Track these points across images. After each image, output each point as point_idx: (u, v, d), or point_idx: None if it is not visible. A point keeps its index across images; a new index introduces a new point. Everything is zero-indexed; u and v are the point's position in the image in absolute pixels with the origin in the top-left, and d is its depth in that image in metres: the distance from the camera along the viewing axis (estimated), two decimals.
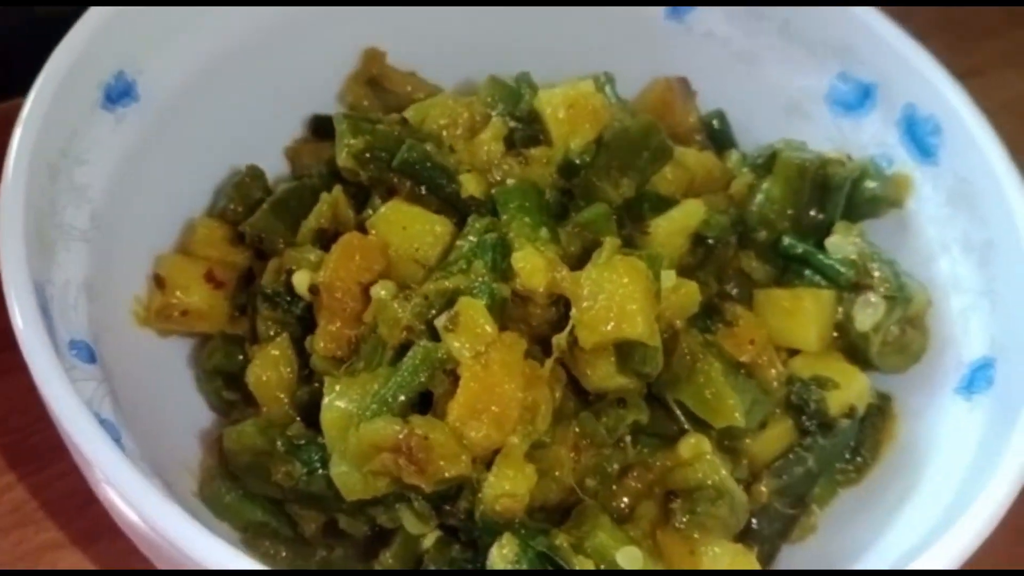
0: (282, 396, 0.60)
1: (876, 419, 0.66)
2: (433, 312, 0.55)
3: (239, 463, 0.58)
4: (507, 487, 0.52)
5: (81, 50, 0.62)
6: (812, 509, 0.63)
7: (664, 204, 0.64)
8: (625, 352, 0.55)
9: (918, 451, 0.64)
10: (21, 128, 0.58)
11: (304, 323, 0.61)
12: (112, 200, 0.64)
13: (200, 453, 0.64)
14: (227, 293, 0.66)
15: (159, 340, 0.66)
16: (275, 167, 0.75)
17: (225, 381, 0.65)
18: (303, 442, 0.57)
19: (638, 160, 0.63)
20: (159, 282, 0.65)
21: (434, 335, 0.55)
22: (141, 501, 0.48)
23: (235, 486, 0.59)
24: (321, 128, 0.76)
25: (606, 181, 0.61)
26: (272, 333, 0.62)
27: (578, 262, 0.57)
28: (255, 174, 0.69)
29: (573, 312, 0.54)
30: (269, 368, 0.60)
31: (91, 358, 0.58)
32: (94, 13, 0.63)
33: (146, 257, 0.66)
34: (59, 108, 0.60)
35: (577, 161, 0.63)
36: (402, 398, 0.53)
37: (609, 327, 0.53)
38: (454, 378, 0.53)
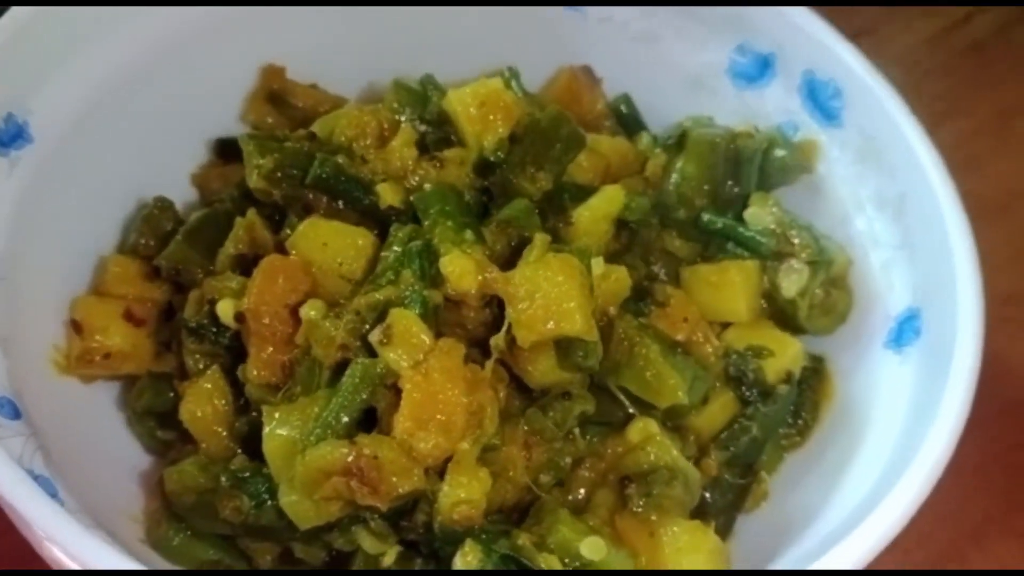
0: (220, 430, 0.58)
1: (812, 381, 0.67)
2: (367, 327, 0.54)
3: (183, 503, 0.57)
4: (462, 494, 0.51)
5: None
6: (762, 476, 0.64)
7: (583, 193, 0.64)
8: (565, 347, 0.55)
9: (856, 408, 0.65)
10: None
11: (234, 352, 0.60)
12: (16, 248, 0.62)
13: (142, 498, 0.62)
14: (149, 330, 0.64)
15: (85, 387, 0.64)
16: (184, 195, 0.73)
17: (158, 421, 0.63)
18: (248, 475, 0.56)
19: (552, 152, 0.63)
20: (76, 327, 0.62)
21: (370, 351, 0.54)
22: (87, 555, 0.47)
23: (182, 527, 0.58)
24: (227, 151, 0.74)
25: (523, 176, 0.61)
26: (201, 366, 0.60)
27: (506, 260, 0.57)
28: (164, 205, 0.67)
29: (509, 312, 0.54)
30: (203, 403, 0.58)
31: (15, 414, 0.55)
32: None
33: (60, 302, 0.64)
34: None
35: (492, 159, 0.63)
36: (345, 419, 0.52)
37: (548, 325, 0.53)
38: (396, 391, 0.52)
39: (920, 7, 1.10)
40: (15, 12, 0.63)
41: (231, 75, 0.75)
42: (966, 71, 1.06)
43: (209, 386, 0.59)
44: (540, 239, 0.56)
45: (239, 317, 0.57)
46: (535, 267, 0.54)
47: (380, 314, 0.54)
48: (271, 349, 0.56)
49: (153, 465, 0.64)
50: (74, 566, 0.48)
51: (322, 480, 0.51)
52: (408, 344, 0.52)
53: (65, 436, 0.58)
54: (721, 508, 0.62)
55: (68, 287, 0.65)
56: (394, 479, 0.50)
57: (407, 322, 0.53)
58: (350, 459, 0.50)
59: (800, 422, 0.66)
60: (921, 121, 1.01)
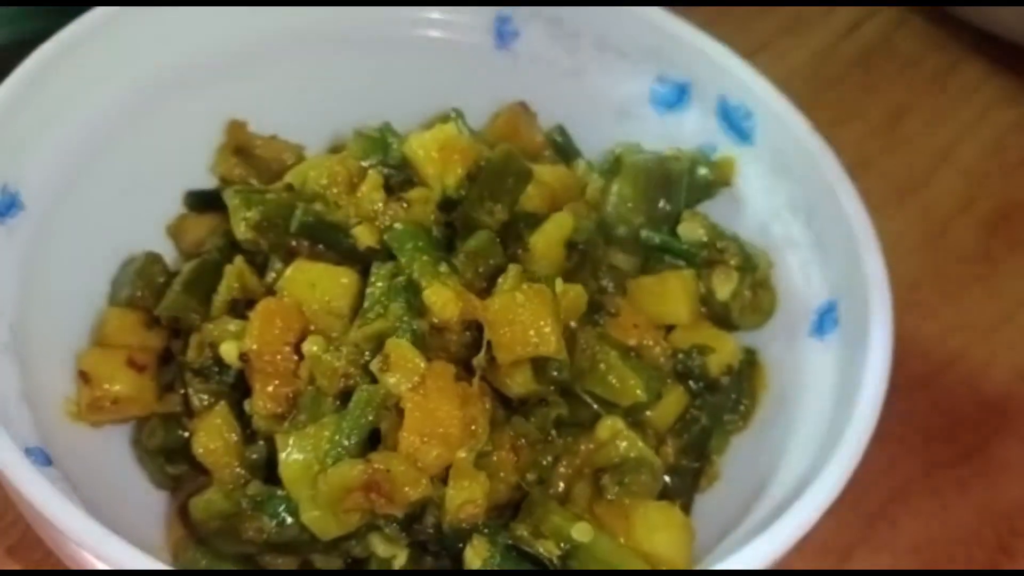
0: (231, 460, 0.64)
1: (748, 371, 0.76)
2: (367, 356, 0.61)
3: (208, 529, 0.62)
4: (466, 496, 0.58)
5: None
6: (713, 459, 0.73)
7: (535, 220, 0.71)
8: (539, 364, 0.62)
9: (789, 392, 0.74)
10: None
11: (237, 388, 0.66)
12: (23, 309, 0.67)
13: (162, 528, 0.67)
14: (151, 375, 0.70)
15: (98, 431, 0.69)
16: (158, 246, 0.79)
17: (166, 457, 0.68)
18: (264, 498, 0.62)
19: (505, 186, 0.70)
20: (84, 377, 0.68)
21: (371, 378, 0.60)
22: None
23: (208, 551, 0.64)
24: (197, 202, 0.80)
25: (482, 210, 0.68)
26: (207, 403, 0.66)
27: (478, 288, 0.64)
28: (154, 259, 0.72)
29: (488, 335, 0.61)
30: (214, 437, 0.64)
31: (47, 461, 0.61)
32: None
33: (69, 356, 0.70)
34: None
35: (454, 196, 0.70)
36: (355, 440, 0.59)
37: (526, 348, 0.61)
38: (397, 412, 0.59)
39: (810, 22, 1.20)
40: (5, 88, 0.68)
41: (198, 130, 0.80)
42: (856, 78, 1.16)
43: (219, 421, 0.65)
44: (513, 270, 0.63)
45: (243, 357, 0.64)
46: (511, 295, 0.61)
47: (376, 344, 0.61)
48: (276, 383, 0.63)
49: (165, 499, 0.70)
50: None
51: (343, 496, 0.57)
52: (405, 369, 0.59)
53: (89, 478, 0.63)
54: (681, 490, 0.70)
55: (73, 342, 0.71)
56: (406, 489, 0.57)
57: (402, 350, 0.60)
58: (367, 475, 0.57)
59: (741, 408, 0.75)
60: (820, 127, 1.12)
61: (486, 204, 0.69)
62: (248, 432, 0.65)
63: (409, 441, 0.58)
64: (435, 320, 0.62)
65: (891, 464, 0.88)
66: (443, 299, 0.61)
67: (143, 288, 0.71)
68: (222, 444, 0.65)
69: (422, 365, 0.60)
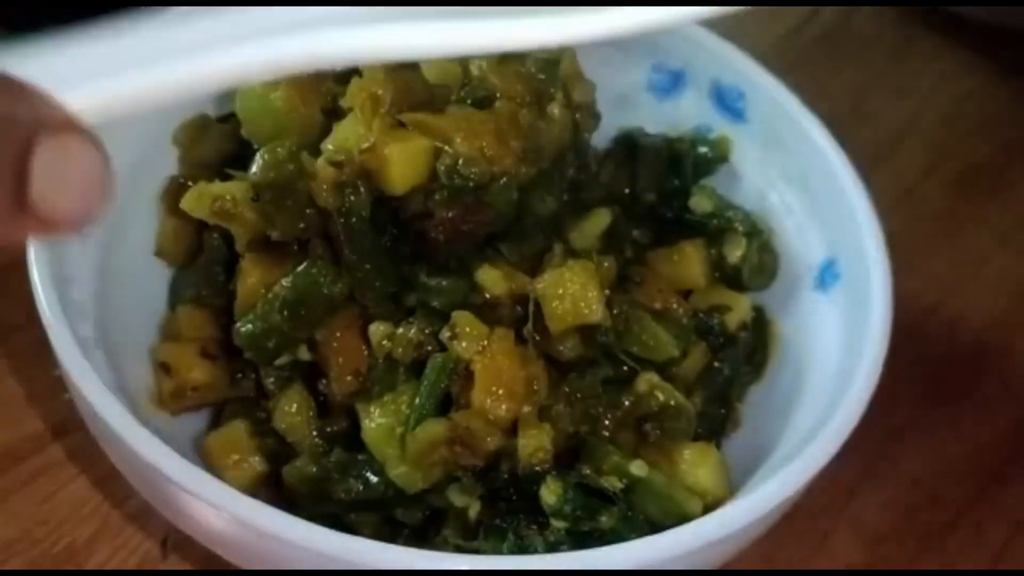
0: (310, 431, 0.71)
1: (758, 326, 0.83)
2: (434, 328, 0.68)
3: (301, 494, 0.69)
4: (535, 443, 0.65)
5: None
6: (736, 406, 0.80)
7: (578, 208, 0.79)
8: (585, 331, 0.69)
9: (798, 344, 0.81)
10: (35, 268, 0.66)
11: (304, 369, 0.72)
12: (104, 309, 0.72)
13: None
14: (221, 363, 0.75)
15: (175, 420, 0.75)
16: None
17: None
18: (350, 461, 0.68)
19: (555, 179, 0.76)
20: (165, 368, 0.73)
21: (439, 347, 0.67)
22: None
23: (299, 513, 0.69)
24: None
25: (536, 198, 0.73)
26: (281, 384, 0.72)
27: (524, 268, 0.71)
28: (215, 258, 0.77)
29: (541, 307, 0.68)
30: (295, 412, 0.71)
31: None
32: None
33: (142, 352, 0.75)
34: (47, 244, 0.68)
35: None
36: (433, 402, 0.66)
37: (576, 317, 0.68)
38: (466, 375, 0.66)
39: (771, 9, 1.29)
40: None
41: None
42: (819, 60, 1.25)
43: (297, 397, 0.71)
44: (558, 249, 0.71)
45: (311, 348, 0.70)
46: (559, 271, 0.68)
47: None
48: (347, 365, 0.69)
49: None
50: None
51: (430, 451, 0.64)
52: (471, 336, 0.66)
53: None
54: (709, 434, 0.78)
55: (145, 338, 0.76)
56: (487, 440, 0.64)
57: (466, 320, 0.67)
58: (451, 431, 0.64)
59: (756, 360, 0.83)
60: None
61: (539, 192, 0.75)
62: (322, 409, 0.71)
63: (481, 399, 0.65)
64: (488, 296, 0.69)
65: (886, 409, 0.95)
66: (493, 278, 0.68)
67: (206, 287, 0.76)
68: (301, 418, 0.71)
69: (486, 332, 0.66)
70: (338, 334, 0.69)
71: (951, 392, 0.99)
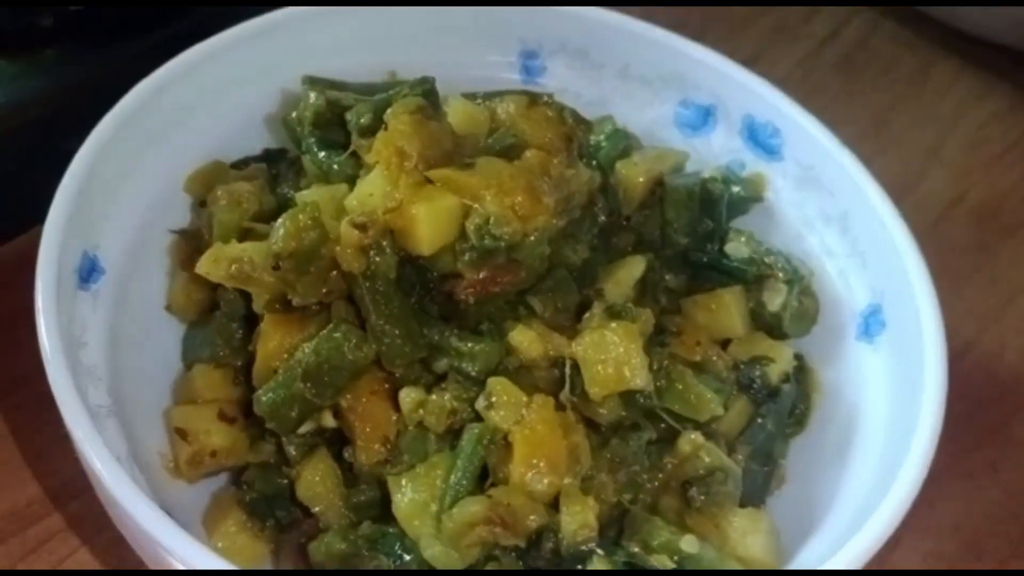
0: (337, 502, 0.67)
1: (800, 376, 0.80)
2: (470, 395, 0.64)
3: (328, 570, 0.65)
4: (580, 520, 0.62)
5: (58, 244, 0.66)
6: (780, 463, 0.77)
7: (613, 255, 0.75)
8: (626, 393, 0.66)
9: (843, 395, 0.78)
10: (44, 333, 0.62)
11: (329, 435, 0.68)
12: (115, 371, 0.69)
13: None
14: (240, 426, 0.71)
15: (191, 488, 0.71)
16: None
17: (271, 503, 0.70)
18: (381, 535, 0.64)
19: (584, 225, 0.73)
20: (182, 434, 0.69)
21: (474, 415, 0.63)
22: None
23: None
24: None
25: (567, 247, 0.71)
26: (305, 451, 0.68)
27: (560, 325, 0.67)
28: (232, 315, 0.74)
29: (581, 371, 0.64)
30: (319, 482, 0.67)
31: None
32: (59, 205, 0.67)
33: (156, 415, 0.71)
34: (57, 303, 0.64)
35: None
36: (470, 476, 0.62)
37: (620, 383, 0.65)
38: (504, 446, 0.62)
39: (791, 32, 1.25)
40: (81, 158, 0.70)
41: None
42: (840, 84, 1.22)
43: (322, 466, 0.67)
44: (598, 308, 0.67)
45: (336, 414, 0.66)
46: (600, 333, 0.65)
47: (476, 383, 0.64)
48: (374, 432, 0.65)
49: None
50: None
51: (468, 531, 0.60)
52: (509, 405, 0.63)
53: (193, 533, 0.65)
54: (753, 493, 0.74)
55: (158, 401, 0.72)
56: (528, 519, 0.60)
57: (504, 387, 0.63)
58: (490, 510, 0.60)
59: (797, 411, 0.79)
60: None
61: (570, 242, 0.71)
62: (348, 477, 0.67)
63: (521, 472, 0.61)
64: (523, 360, 0.65)
65: None
66: (527, 339, 0.65)
67: (224, 346, 0.72)
68: (325, 488, 0.67)
69: (524, 400, 0.63)
70: (364, 400, 0.66)
71: (988, 432, 0.95)
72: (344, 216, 0.64)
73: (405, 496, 0.62)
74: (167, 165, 0.78)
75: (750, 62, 1.19)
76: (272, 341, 0.66)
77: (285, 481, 0.69)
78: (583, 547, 0.62)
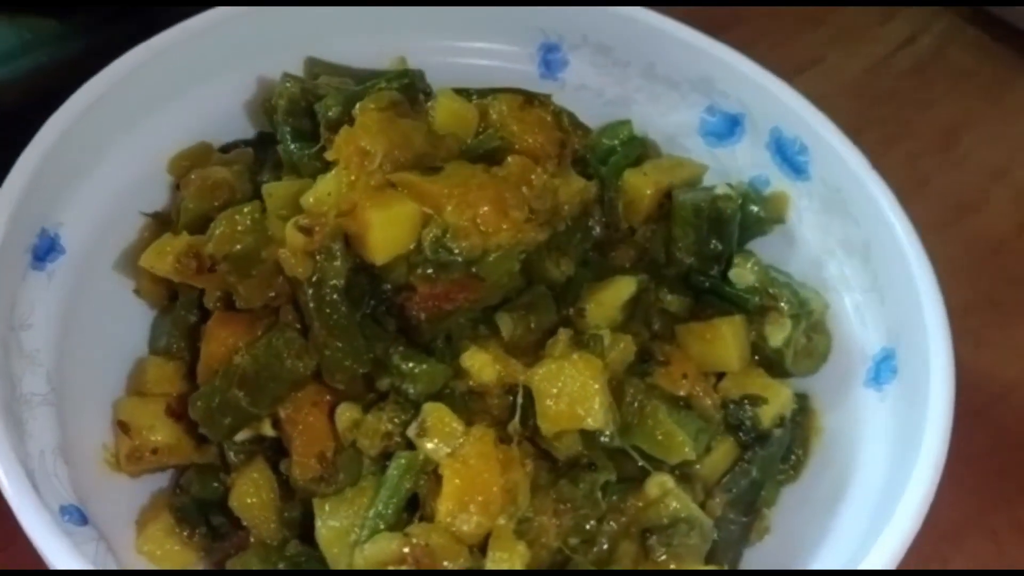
0: (271, 516, 0.63)
1: (800, 418, 0.73)
2: (406, 418, 0.59)
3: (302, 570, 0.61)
4: (505, 567, 0.57)
5: (6, 223, 0.63)
6: (763, 513, 0.70)
7: (600, 272, 0.70)
8: (587, 432, 0.60)
9: (843, 444, 0.71)
10: None
11: (273, 445, 0.65)
12: (61, 357, 0.66)
13: None
14: (188, 424, 0.68)
15: (137, 482, 0.68)
16: None
17: (206, 509, 0.67)
18: (303, 559, 0.61)
19: (574, 241, 0.68)
20: (123, 427, 0.67)
21: (409, 442, 0.59)
22: None
23: None
24: None
25: (550, 261, 0.66)
26: (243, 458, 0.65)
27: (527, 345, 0.62)
28: (189, 307, 0.70)
29: (535, 403, 0.59)
30: (252, 492, 0.63)
31: (83, 520, 0.60)
32: (12, 181, 0.65)
33: (106, 405, 0.69)
34: None
35: None
36: (393, 508, 0.58)
37: (572, 421, 0.59)
38: (436, 478, 0.58)
39: (862, 35, 1.17)
40: (43, 135, 0.67)
41: None
42: (908, 93, 1.13)
43: (256, 476, 0.63)
44: (563, 335, 0.61)
45: (275, 425, 0.62)
46: (559, 364, 0.60)
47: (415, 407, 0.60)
48: (311, 447, 0.61)
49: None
50: None
51: (380, 569, 0.56)
52: (443, 434, 0.58)
53: (127, 533, 0.63)
54: (729, 545, 0.68)
55: (110, 390, 0.70)
56: (445, 562, 0.56)
57: (440, 414, 0.58)
58: (405, 550, 0.56)
59: (793, 457, 0.72)
60: (872, 145, 1.08)
61: (554, 255, 0.66)
62: (286, 489, 0.64)
63: (448, 509, 0.57)
64: (473, 384, 0.60)
65: (943, 504, 0.84)
66: (480, 363, 0.60)
67: (179, 339, 0.69)
68: (259, 500, 0.63)
69: (460, 430, 0.58)
70: (304, 412, 0.62)
71: (1021, 490, 0.87)
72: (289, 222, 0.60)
73: (327, 521, 0.58)
74: (152, 145, 0.74)
75: (806, 67, 1.13)
76: (216, 340, 0.63)
77: (221, 488, 0.66)
78: None
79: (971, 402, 0.91)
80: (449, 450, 0.57)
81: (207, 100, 0.77)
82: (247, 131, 0.79)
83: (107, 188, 0.72)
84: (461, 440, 0.58)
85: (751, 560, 0.70)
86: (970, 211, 1.05)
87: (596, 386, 0.59)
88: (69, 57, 0.83)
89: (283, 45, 0.78)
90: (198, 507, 0.66)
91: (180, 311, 0.69)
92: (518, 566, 0.56)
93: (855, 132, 1.11)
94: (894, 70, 1.15)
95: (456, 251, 0.58)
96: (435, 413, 0.58)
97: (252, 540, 0.63)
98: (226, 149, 0.77)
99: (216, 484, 0.66)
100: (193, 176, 0.69)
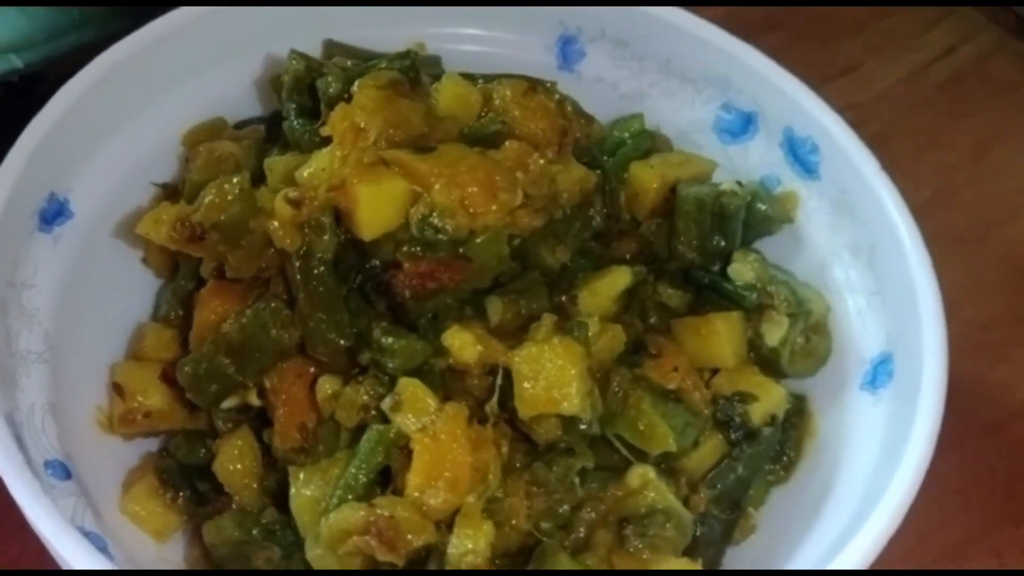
0: (252, 484, 0.64)
1: (795, 419, 0.73)
2: (383, 392, 0.60)
3: (221, 553, 0.62)
4: (469, 545, 0.57)
5: (13, 184, 0.65)
6: (748, 512, 0.70)
7: (597, 263, 0.70)
8: (567, 417, 0.60)
9: (834, 446, 0.70)
10: None
11: (260, 414, 0.66)
12: (62, 318, 0.68)
13: (184, 547, 0.68)
14: (182, 390, 0.69)
15: (127, 444, 0.70)
16: None
17: (193, 474, 0.68)
18: (278, 528, 0.62)
19: (572, 229, 0.68)
20: (118, 390, 0.68)
21: (386, 415, 0.59)
22: None
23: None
24: None
25: (545, 248, 0.66)
26: (230, 425, 0.66)
27: (516, 329, 0.63)
28: (189, 276, 0.72)
29: (516, 387, 0.60)
30: (236, 459, 0.64)
31: (67, 475, 0.62)
32: (22, 144, 0.66)
33: (102, 368, 0.70)
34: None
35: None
36: (363, 479, 0.58)
37: (547, 406, 0.59)
38: (408, 452, 0.58)
39: (903, 43, 1.15)
40: (56, 101, 0.69)
41: None
42: (946, 104, 1.11)
43: (240, 443, 0.65)
44: (548, 319, 0.62)
45: (261, 394, 0.63)
46: (540, 347, 0.60)
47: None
48: (293, 418, 0.62)
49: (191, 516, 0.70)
50: None
51: (344, 538, 0.56)
52: (416, 409, 0.58)
53: (112, 492, 0.64)
54: (711, 542, 0.68)
55: (108, 353, 0.71)
56: (409, 536, 0.56)
57: (414, 388, 0.59)
58: (369, 520, 0.56)
59: (785, 458, 0.72)
60: (905, 153, 1.06)
61: (550, 242, 0.67)
62: (270, 459, 0.65)
63: (415, 484, 0.57)
64: (453, 363, 0.61)
65: (947, 520, 0.83)
66: (461, 342, 0.60)
67: (177, 307, 0.71)
68: (242, 467, 0.64)
69: (433, 406, 0.58)
70: (289, 383, 0.63)
71: None
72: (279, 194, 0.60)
73: (300, 490, 0.59)
74: (169, 118, 0.76)
75: (842, 73, 1.11)
76: (208, 309, 0.64)
77: (208, 453, 0.67)
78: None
79: (984, 418, 0.91)
80: (420, 425, 0.58)
81: (226, 78, 0.78)
82: (264, 110, 0.80)
83: (121, 158, 0.73)
84: (433, 416, 0.58)
85: (735, 559, 0.69)
86: (999, 226, 1.03)
87: (573, 371, 0.59)
88: (117, 35, 0.85)
89: (304, 28, 0.79)
90: (183, 471, 0.67)
91: (181, 280, 0.70)
92: (482, 545, 0.57)
93: (886, 139, 1.10)
94: (932, 79, 1.13)
95: (442, 230, 0.59)
96: (410, 388, 0.59)
97: (234, 507, 0.64)
98: (241, 126, 0.78)
99: (203, 450, 0.67)
100: (201, 149, 0.71)
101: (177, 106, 0.76)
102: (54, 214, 0.69)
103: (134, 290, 0.74)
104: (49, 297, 0.67)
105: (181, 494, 0.66)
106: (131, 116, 0.74)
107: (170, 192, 0.74)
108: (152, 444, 0.71)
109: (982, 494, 0.86)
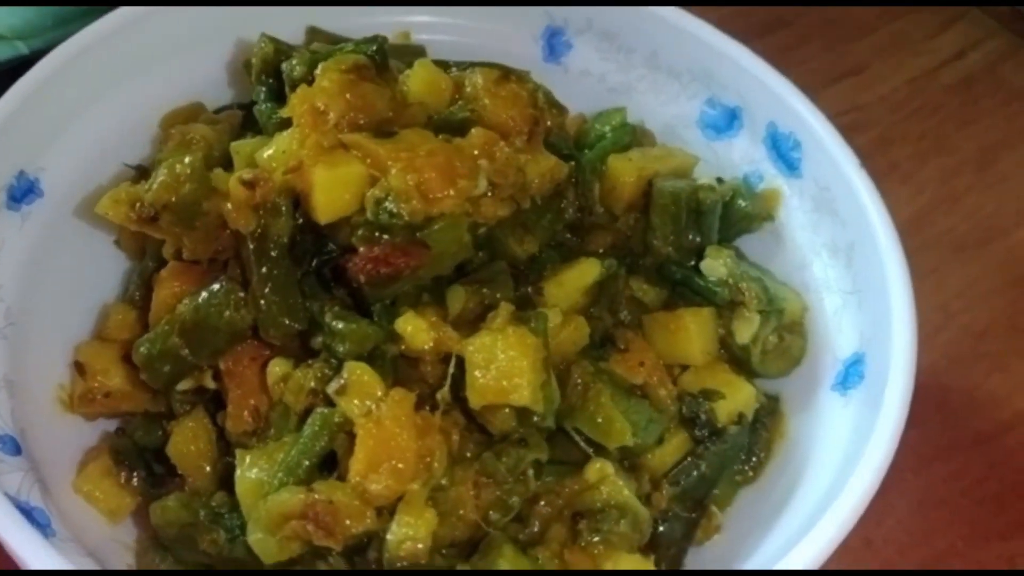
0: (205, 466, 0.64)
1: (767, 419, 0.71)
2: (332, 375, 0.59)
3: (168, 535, 0.62)
4: (409, 532, 0.56)
5: None
6: (712, 511, 0.68)
7: (566, 255, 0.69)
8: (520, 408, 0.60)
9: (803, 447, 0.69)
10: None
11: (216, 398, 0.65)
12: (25, 295, 0.68)
13: (134, 527, 0.67)
14: None
15: (87, 424, 0.70)
16: None
17: (149, 456, 0.68)
18: (224, 510, 0.61)
19: (543, 221, 0.67)
20: (80, 369, 0.68)
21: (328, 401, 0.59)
22: None
23: (167, 557, 0.63)
24: None
25: (512, 238, 0.65)
26: (187, 408, 0.65)
27: (476, 317, 0.62)
28: (155, 257, 0.71)
29: (467, 375, 0.59)
30: (188, 441, 0.64)
31: (16, 450, 0.61)
32: None
33: (66, 346, 0.70)
34: None
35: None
36: (306, 463, 0.57)
37: (497, 396, 0.58)
38: (353, 438, 0.57)
39: (912, 46, 1.13)
40: (27, 77, 0.69)
41: None
42: (952, 108, 1.09)
43: (193, 425, 0.64)
44: (504, 309, 0.61)
45: (216, 377, 0.63)
46: (494, 337, 0.59)
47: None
48: (245, 401, 0.62)
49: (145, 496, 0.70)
50: None
51: (282, 522, 0.56)
52: (361, 393, 0.57)
53: (66, 471, 0.64)
54: (672, 540, 0.66)
55: (73, 332, 0.71)
56: (347, 521, 0.55)
57: (361, 372, 0.58)
58: (306, 504, 0.55)
59: (754, 459, 0.70)
60: (907, 157, 1.04)
61: (518, 232, 0.66)
62: (225, 441, 0.64)
63: (357, 469, 0.56)
64: (406, 349, 0.60)
65: (932, 532, 0.81)
66: (415, 328, 0.59)
67: (141, 287, 0.70)
68: (195, 449, 0.64)
69: (379, 391, 0.57)
70: (243, 366, 0.62)
71: (1017, 522, 0.83)
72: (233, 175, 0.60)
73: (245, 472, 0.58)
74: (143, 100, 0.76)
75: (855, 72, 1.09)
76: (166, 290, 0.64)
77: (164, 435, 0.66)
78: (403, 565, 0.56)
79: (976, 428, 0.88)
80: (365, 410, 0.57)
81: (204, 62, 0.78)
82: (241, 96, 0.80)
83: (93, 139, 0.73)
84: (379, 401, 0.57)
85: (698, 559, 0.68)
86: (1001, 234, 1.00)
87: (525, 363, 0.58)
88: None
89: (287, 14, 0.79)
90: (139, 452, 0.67)
91: (148, 261, 0.70)
92: (423, 533, 0.56)
93: (889, 143, 1.08)
94: (939, 84, 1.11)
95: (396, 214, 0.58)
96: (356, 371, 0.58)
97: (187, 489, 0.64)
98: (222, 111, 0.78)
99: (160, 432, 0.67)
100: (174, 132, 0.70)
101: (153, 88, 0.76)
102: (23, 192, 0.69)
103: (104, 271, 0.74)
104: (13, 274, 0.68)
105: (135, 475, 0.66)
106: (105, 97, 0.74)
107: (142, 173, 0.74)
108: (113, 425, 0.71)
109: (970, 506, 0.84)
